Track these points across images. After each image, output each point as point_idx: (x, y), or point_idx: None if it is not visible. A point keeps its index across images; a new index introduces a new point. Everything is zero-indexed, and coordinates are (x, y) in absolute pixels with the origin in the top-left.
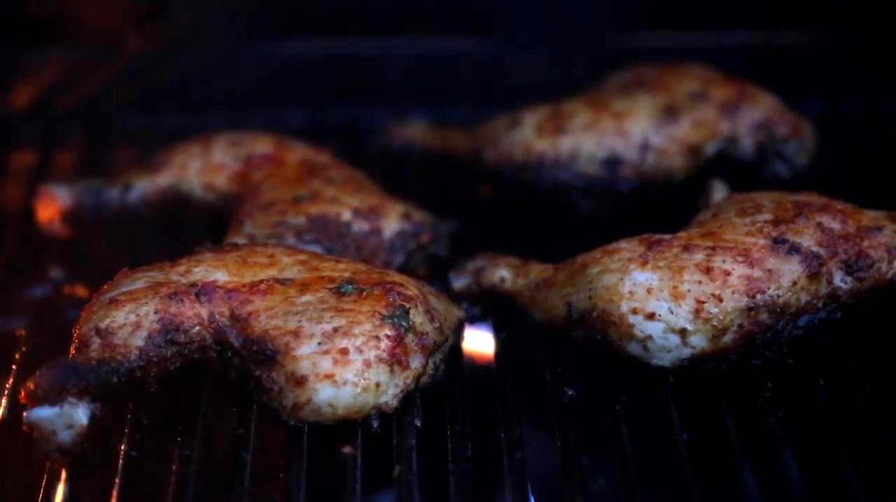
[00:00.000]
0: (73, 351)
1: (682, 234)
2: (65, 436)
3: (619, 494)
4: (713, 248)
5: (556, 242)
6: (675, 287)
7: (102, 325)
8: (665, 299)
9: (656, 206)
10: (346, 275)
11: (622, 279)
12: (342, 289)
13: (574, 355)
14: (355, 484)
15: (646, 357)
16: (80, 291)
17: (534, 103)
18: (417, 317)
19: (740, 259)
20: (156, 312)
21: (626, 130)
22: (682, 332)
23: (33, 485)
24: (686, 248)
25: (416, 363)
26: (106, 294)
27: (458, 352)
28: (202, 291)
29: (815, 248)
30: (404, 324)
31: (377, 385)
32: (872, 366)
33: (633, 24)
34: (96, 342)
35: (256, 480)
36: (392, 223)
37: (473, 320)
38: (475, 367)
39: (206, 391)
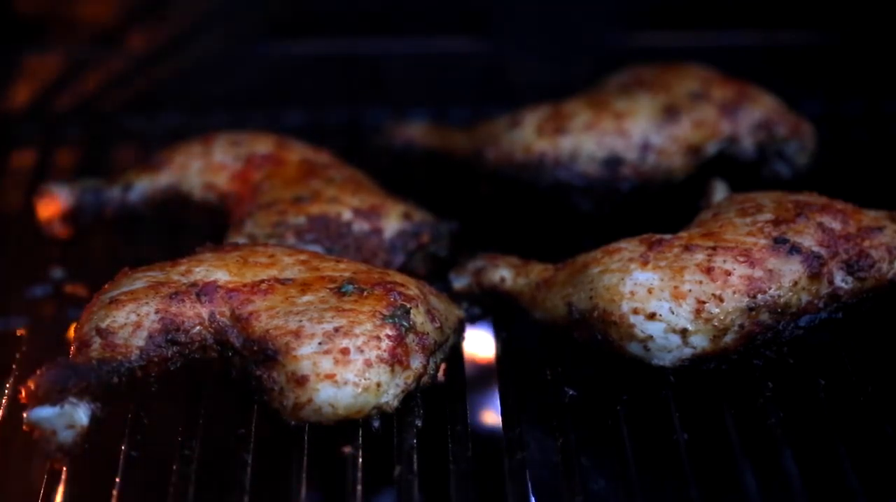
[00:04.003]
0: (73, 351)
1: (682, 234)
2: (65, 436)
3: (619, 494)
4: (714, 248)
5: (556, 242)
6: (675, 287)
7: (103, 325)
8: (666, 299)
9: (656, 206)
10: (347, 274)
11: (623, 279)
12: (343, 289)
13: (574, 355)
14: (355, 484)
15: (646, 357)
16: (80, 291)
17: (534, 103)
18: (418, 317)
19: (741, 259)
20: (156, 312)
21: (627, 130)
22: (683, 332)
23: (33, 485)
24: (687, 248)
25: (416, 363)
26: (106, 294)
27: (458, 352)
28: (203, 291)
29: (815, 248)
30: (405, 323)
31: (378, 385)
32: (872, 366)
33: (633, 24)
34: (97, 342)
35: (256, 480)
36: (392, 223)
37: (473, 320)
38: (475, 367)
39: (206, 391)
